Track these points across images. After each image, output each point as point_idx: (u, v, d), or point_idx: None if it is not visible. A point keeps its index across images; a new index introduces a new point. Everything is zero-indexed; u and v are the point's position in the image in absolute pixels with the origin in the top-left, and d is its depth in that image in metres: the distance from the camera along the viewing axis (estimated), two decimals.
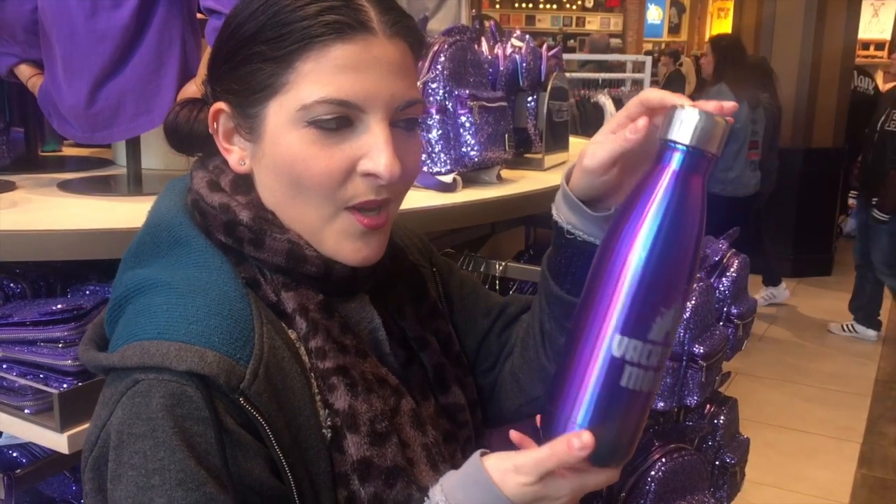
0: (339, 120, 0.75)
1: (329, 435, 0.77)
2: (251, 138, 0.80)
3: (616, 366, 0.69)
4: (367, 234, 0.79)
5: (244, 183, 0.83)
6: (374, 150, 0.76)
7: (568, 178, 0.79)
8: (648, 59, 6.44)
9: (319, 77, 0.74)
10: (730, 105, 0.66)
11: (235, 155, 0.82)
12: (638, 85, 6.08)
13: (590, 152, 0.75)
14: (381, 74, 0.76)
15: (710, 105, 0.66)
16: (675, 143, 0.65)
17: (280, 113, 0.76)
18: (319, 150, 0.75)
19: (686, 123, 0.64)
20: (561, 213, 0.81)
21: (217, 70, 0.82)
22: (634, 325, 0.68)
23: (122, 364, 0.71)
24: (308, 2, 0.75)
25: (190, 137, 0.87)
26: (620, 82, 6.14)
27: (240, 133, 0.81)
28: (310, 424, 0.76)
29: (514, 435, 0.76)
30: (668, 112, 0.67)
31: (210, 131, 0.83)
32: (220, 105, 0.81)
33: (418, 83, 1.69)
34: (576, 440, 0.67)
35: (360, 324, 0.85)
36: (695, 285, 0.69)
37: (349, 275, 0.82)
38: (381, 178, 0.76)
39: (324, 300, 0.81)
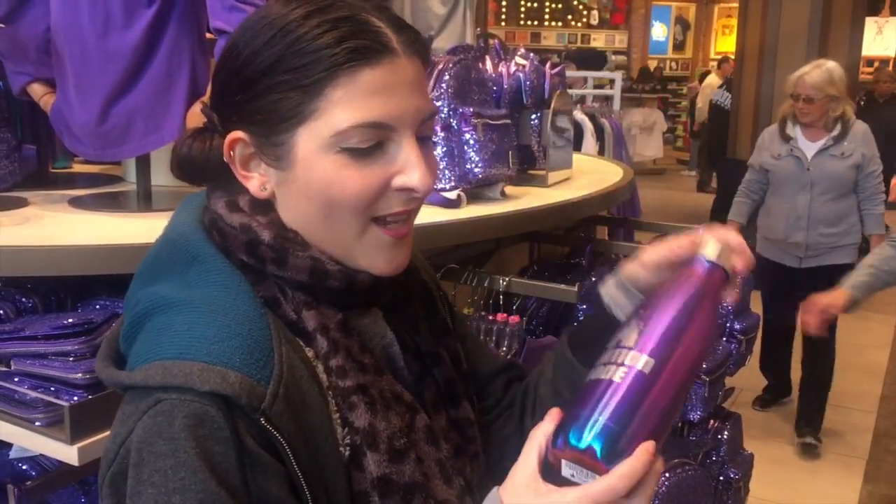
0: (373, 144, 0.78)
1: (347, 453, 0.78)
2: (278, 165, 0.80)
3: None
4: (396, 245, 0.82)
5: (262, 203, 0.83)
6: (408, 166, 0.79)
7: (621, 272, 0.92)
8: (618, 75, 6.63)
9: (351, 103, 0.76)
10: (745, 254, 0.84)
11: (255, 181, 0.82)
12: (603, 101, 6.17)
13: (649, 250, 0.88)
14: (406, 93, 0.79)
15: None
16: (704, 257, 0.83)
17: (311, 139, 0.77)
18: (354, 171, 0.77)
19: (712, 247, 0.84)
20: (608, 290, 0.92)
21: (229, 98, 0.81)
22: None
23: (144, 383, 0.72)
24: (327, 28, 0.76)
25: (205, 168, 0.86)
26: (600, 97, 6.37)
27: (262, 160, 0.81)
28: (328, 443, 0.77)
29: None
30: (702, 237, 0.85)
31: (226, 160, 0.82)
32: (238, 134, 0.80)
33: None
34: (644, 451, 0.70)
35: (373, 339, 0.86)
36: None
37: (369, 287, 0.84)
38: (418, 192, 0.80)
39: (342, 318, 0.82)
